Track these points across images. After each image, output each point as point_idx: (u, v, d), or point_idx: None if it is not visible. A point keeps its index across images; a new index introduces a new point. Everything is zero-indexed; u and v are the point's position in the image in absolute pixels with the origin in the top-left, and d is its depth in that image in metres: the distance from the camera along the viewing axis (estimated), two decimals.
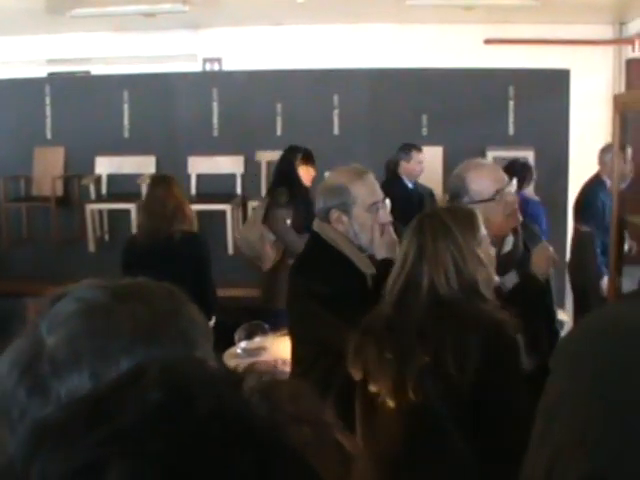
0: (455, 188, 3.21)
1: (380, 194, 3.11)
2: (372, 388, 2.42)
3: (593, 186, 6.56)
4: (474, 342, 2.27)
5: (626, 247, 5.56)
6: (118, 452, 0.55)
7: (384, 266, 3.01)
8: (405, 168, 6.96)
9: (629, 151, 6.04)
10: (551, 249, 3.14)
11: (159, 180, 5.23)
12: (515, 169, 6.53)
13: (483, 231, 2.55)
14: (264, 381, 0.64)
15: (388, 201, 3.13)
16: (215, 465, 0.56)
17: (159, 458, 0.55)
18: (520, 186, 6.38)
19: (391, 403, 2.36)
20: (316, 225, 3.12)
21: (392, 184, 6.69)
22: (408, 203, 6.48)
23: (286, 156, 6.20)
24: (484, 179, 3.15)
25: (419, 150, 7.06)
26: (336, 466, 0.61)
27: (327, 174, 4.39)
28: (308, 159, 6.16)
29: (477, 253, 2.48)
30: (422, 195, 7.01)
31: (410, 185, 6.95)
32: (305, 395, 0.65)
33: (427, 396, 2.30)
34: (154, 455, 0.55)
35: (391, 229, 3.08)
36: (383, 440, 2.43)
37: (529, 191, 6.53)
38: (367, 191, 3.05)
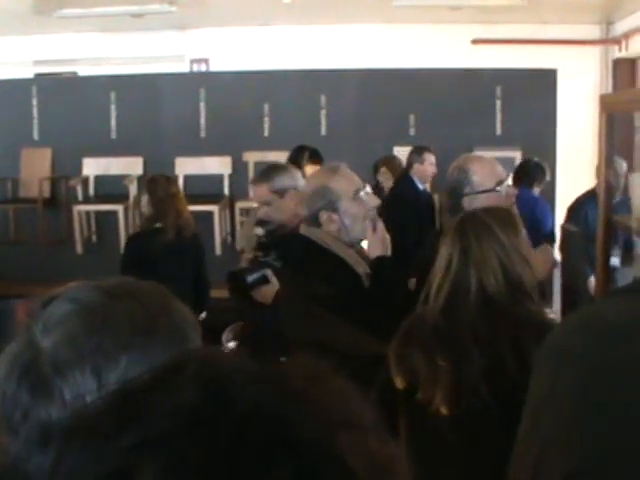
0: (455, 180, 3.26)
1: (359, 181, 3.10)
2: (420, 396, 2.34)
3: (584, 195, 6.56)
4: (532, 344, 2.19)
5: (617, 261, 5.51)
6: (150, 457, 0.52)
7: (378, 264, 3.02)
8: (418, 170, 6.92)
9: (624, 165, 5.96)
10: (551, 251, 3.17)
11: (168, 179, 5.20)
12: (528, 168, 6.55)
13: (524, 230, 2.52)
14: (308, 381, 0.59)
15: (368, 187, 3.15)
16: (253, 475, 0.52)
17: (192, 465, 0.52)
18: (530, 185, 6.41)
19: (444, 410, 2.29)
20: (304, 230, 3.09)
21: (403, 186, 6.70)
22: (419, 204, 6.49)
23: (293, 155, 6.19)
24: (486, 170, 3.24)
25: (431, 152, 7.04)
26: (382, 475, 0.57)
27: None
28: (316, 158, 6.14)
29: (522, 252, 2.43)
30: (431, 196, 7.04)
31: (421, 187, 6.94)
32: (352, 397, 0.61)
33: (483, 401, 2.25)
34: (187, 462, 0.52)
35: (382, 226, 3.08)
36: (434, 449, 2.36)
37: (535, 192, 6.54)
38: (347, 182, 3.04)
